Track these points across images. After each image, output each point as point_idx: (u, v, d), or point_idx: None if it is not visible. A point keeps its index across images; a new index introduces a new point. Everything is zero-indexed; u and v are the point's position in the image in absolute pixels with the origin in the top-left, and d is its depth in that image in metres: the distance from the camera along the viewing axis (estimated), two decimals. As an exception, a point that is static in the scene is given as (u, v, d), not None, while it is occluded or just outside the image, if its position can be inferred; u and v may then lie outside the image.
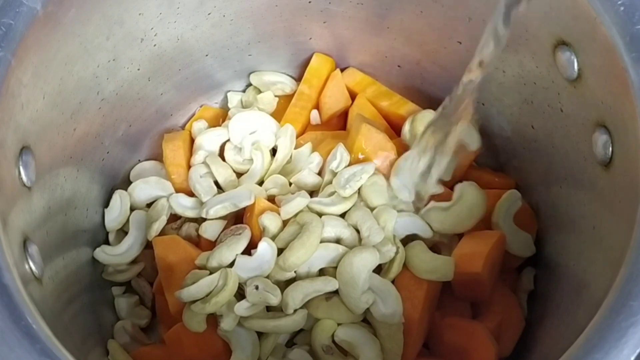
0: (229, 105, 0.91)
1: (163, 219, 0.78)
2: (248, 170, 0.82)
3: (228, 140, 0.85)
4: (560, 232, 0.74)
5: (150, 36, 0.77)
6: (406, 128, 0.81)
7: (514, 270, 0.79)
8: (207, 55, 0.85)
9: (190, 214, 0.80)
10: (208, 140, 0.84)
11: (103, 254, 0.78)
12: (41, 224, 0.65)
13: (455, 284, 0.74)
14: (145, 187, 0.82)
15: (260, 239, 0.73)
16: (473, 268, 0.71)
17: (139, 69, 0.79)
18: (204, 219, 0.78)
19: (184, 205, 0.80)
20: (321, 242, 0.72)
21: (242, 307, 0.69)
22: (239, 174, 0.83)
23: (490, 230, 0.77)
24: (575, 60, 0.63)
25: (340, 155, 0.78)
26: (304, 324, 0.70)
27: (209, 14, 0.81)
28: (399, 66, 0.87)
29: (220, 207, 0.76)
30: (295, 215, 0.73)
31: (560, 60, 0.65)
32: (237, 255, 0.72)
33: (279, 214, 0.74)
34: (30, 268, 0.59)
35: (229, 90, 0.92)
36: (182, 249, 0.75)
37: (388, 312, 0.70)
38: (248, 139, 0.83)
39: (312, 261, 0.71)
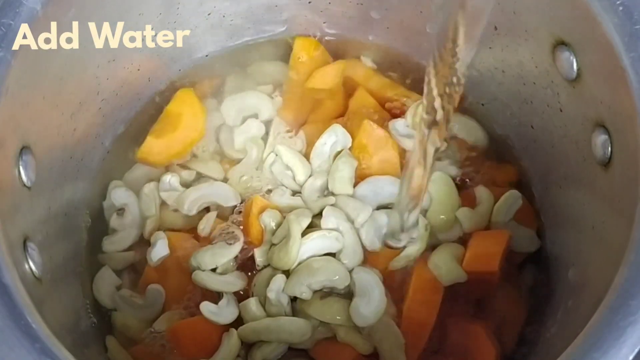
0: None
1: (155, 217, 0.78)
2: (241, 160, 0.81)
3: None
4: (559, 231, 0.74)
5: (150, 36, 0.77)
6: (408, 119, 0.81)
7: (515, 267, 0.79)
8: (207, 56, 0.85)
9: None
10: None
11: (109, 245, 0.78)
12: (41, 224, 0.66)
13: (467, 284, 0.74)
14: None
15: (258, 238, 0.74)
16: (490, 267, 0.72)
17: (139, 69, 0.80)
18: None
19: (170, 187, 0.79)
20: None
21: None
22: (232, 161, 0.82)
23: (489, 228, 0.77)
24: (574, 60, 0.63)
25: (335, 134, 0.77)
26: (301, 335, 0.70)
27: (208, 14, 0.81)
28: (399, 63, 0.87)
29: (196, 204, 0.77)
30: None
31: (560, 60, 0.65)
32: (217, 265, 0.73)
33: (278, 211, 0.74)
34: (30, 268, 0.59)
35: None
36: (172, 249, 0.76)
37: (366, 313, 0.69)
38: (242, 134, 0.82)
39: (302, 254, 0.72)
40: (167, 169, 0.82)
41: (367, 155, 0.78)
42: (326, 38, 0.87)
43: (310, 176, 0.78)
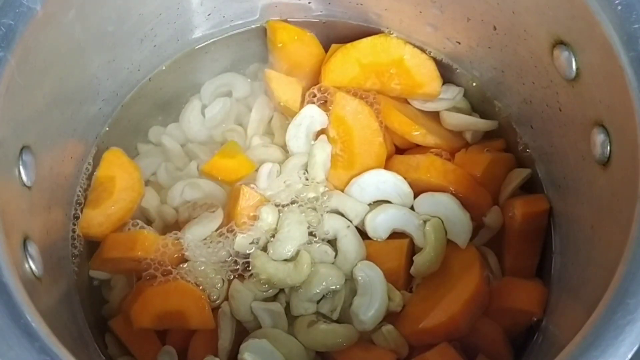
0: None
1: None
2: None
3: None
4: (558, 231, 0.74)
5: (150, 36, 0.77)
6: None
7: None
8: (207, 53, 0.85)
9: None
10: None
11: None
12: (41, 224, 0.66)
13: None
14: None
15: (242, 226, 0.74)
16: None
17: (139, 69, 0.80)
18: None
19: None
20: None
21: None
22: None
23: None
24: (573, 60, 0.63)
25: (310, 114, 0.77)
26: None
27: (208, 14, 0.81)
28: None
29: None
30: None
31: (559, 60, 0.65)
32: (211, 232, 0.73)
33: (271, 203, 0.75)
34: (30, 267, 0.59)
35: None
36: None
37: (366, 318, 0.69)
38: (209, 113, 0.83)
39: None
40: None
41: (346, 127, 0.77)
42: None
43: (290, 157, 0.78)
